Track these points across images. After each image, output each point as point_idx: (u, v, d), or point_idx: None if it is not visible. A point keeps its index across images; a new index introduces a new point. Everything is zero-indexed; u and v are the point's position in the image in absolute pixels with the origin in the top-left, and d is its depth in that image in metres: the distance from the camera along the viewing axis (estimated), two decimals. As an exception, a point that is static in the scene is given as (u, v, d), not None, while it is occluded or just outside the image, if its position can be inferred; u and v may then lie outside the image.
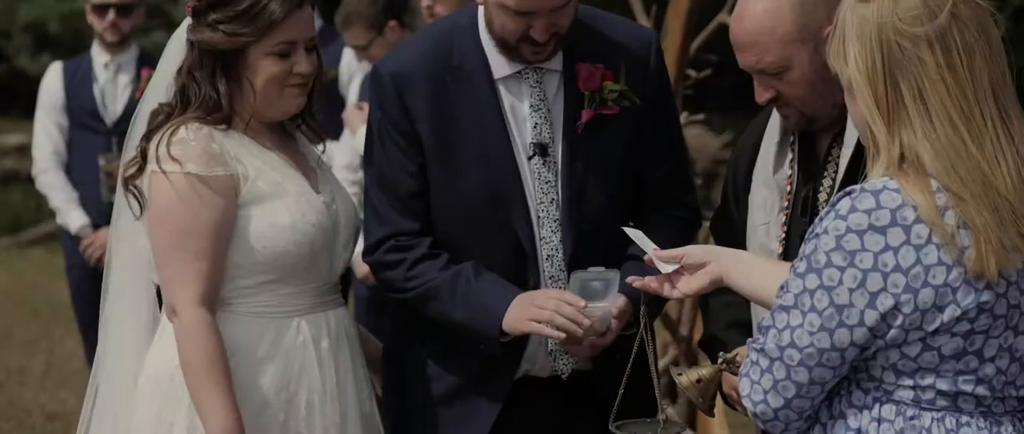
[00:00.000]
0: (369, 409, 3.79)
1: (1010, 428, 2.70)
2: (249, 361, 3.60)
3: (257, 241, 3.59)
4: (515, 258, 3.67)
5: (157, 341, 3.67)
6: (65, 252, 7.17)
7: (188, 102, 3.61)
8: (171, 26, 3.73)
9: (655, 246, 3.14)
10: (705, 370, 3.24)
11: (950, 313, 2.61)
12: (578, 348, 3.60)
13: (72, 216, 6.94)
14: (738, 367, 3.17)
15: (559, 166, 3.64)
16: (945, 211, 2.59)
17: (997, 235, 2.59)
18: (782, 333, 2.66)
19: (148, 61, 6.85)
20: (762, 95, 3.38)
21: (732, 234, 3.59)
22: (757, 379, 2.70)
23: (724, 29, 3.59)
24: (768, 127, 3.54)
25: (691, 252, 3.07)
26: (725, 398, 3.44)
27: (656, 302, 3.40)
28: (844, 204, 2.63)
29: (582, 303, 3.49)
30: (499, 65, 3.66)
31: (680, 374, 3.25)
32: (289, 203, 3.60)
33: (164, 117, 3.63)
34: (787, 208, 3.44)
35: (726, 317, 3.58)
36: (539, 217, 3.65)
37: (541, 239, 3.65)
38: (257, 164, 3.62)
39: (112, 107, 7.00)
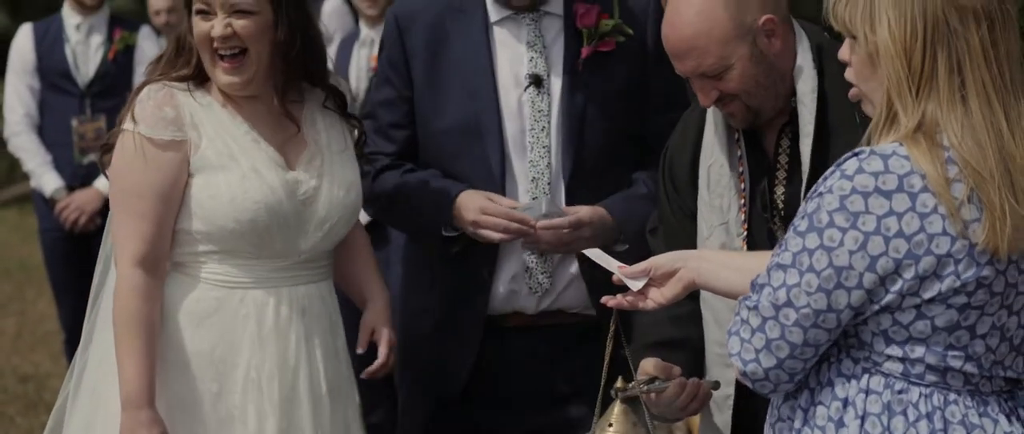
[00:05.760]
0: (326, 390, 3.65)
1: (996, 408, 2.67)
2: (186, 326, 3.56)
3: (198, 210, 3.53)
4: (487, 186, 3.88)
5: None
6: (39, 215, 7.14)
7: (174, 55, 3.59)
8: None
9: (619, 264, 3.09)
10: (612, 416, 3.16)
11: (949, 283, 2.58)
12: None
13: (46, 179, 6.92)
14: (626, 393, 3.15)
15: (555, 99, 3.89)
16: (953, 183, 2.55)
17: (1014, 218, 2.55)
18: (778, 291, 2.62)
19: (120, 22, 6.78)
20: (707, 98, 3.32)
21: (671, 239, 3.50)
22: (748, 338, 2.65)
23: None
24: (706, 127, 3.47)
25: (658, 262, 3.01)
26: (654, 416, 3.30)
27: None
28: (851, 164, 2.58)
29: (532, 222, 3.76)
30: (496, 9, 3.93)
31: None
32: (231, 177, 3.52)
33: (151, 73, 3.61)
34: (745, 206, 3.38)
35: (649, 337, 3.47)
36: (529, 143, 3.88)
37: (530, 163, 3.88)
38: (212, 132, 3.54)
39: (84, 69, 6.95)
